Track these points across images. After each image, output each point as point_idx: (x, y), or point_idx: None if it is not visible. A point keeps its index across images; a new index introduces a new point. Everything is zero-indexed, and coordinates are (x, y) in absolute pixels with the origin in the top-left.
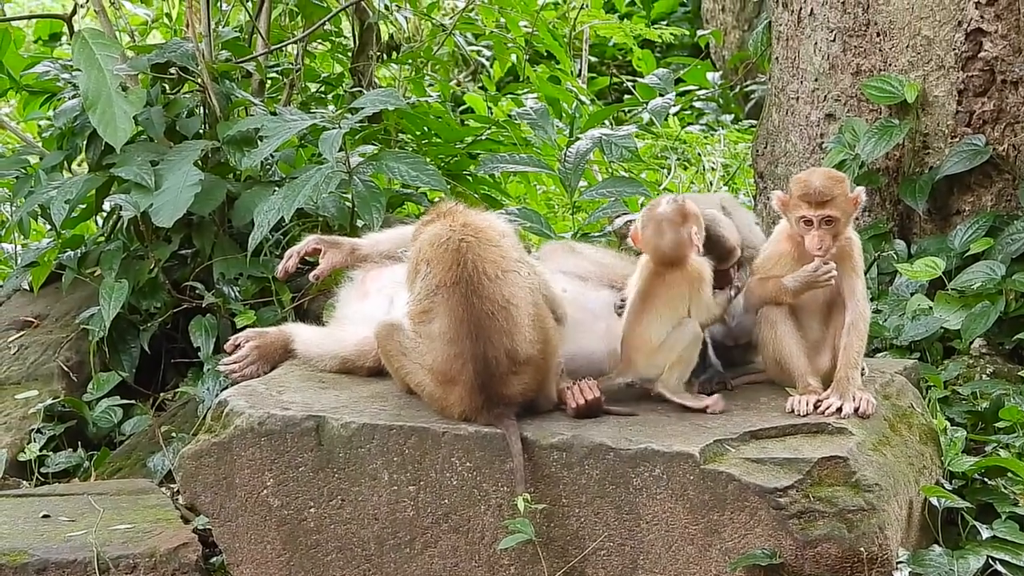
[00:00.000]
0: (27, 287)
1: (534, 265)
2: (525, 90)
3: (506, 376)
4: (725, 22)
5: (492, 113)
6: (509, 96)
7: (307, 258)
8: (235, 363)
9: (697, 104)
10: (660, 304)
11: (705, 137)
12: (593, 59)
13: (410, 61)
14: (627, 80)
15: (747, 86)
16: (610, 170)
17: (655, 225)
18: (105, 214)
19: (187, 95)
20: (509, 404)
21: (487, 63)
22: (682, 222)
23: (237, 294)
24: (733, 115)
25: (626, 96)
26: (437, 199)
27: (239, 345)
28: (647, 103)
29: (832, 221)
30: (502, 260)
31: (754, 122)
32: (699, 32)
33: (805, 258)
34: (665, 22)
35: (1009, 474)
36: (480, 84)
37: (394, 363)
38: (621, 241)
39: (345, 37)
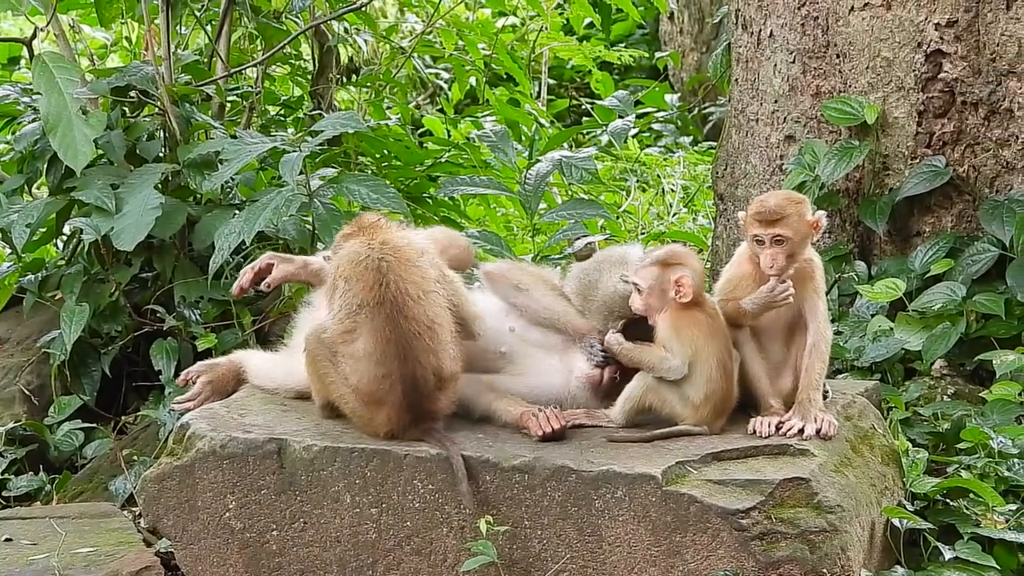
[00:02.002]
0: None
1: (453, 281)
2: (484, 113)
3: (433, 393)
4: (683, 44)
5: (450, 136)
6: (468, 119)
7: (257, 289)
8: (188, 400)
9: (655, 126)
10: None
11: (664, 159)
12: (551, 81)
13: (369, 84)
14: (586, 102)
15: (705, 108)
16: (569, 192)
17: (694, 264)
18: (65, 237)
19: (147, 118)
20: (435, 419)
21: (445, 86)
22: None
23: (198, 317)
24: (691, 137)
25: (584, 118)
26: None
27: (191, 380)
28: (607, 125)
29: (783, 240)
30: (423, 281)
31: (712, 144)
32: (657, 54)
33: (765, 279)
34: (623, 44)
35: (971, 495)
36: (438, 107)
37: (320, 369)
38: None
39: (305, 60)
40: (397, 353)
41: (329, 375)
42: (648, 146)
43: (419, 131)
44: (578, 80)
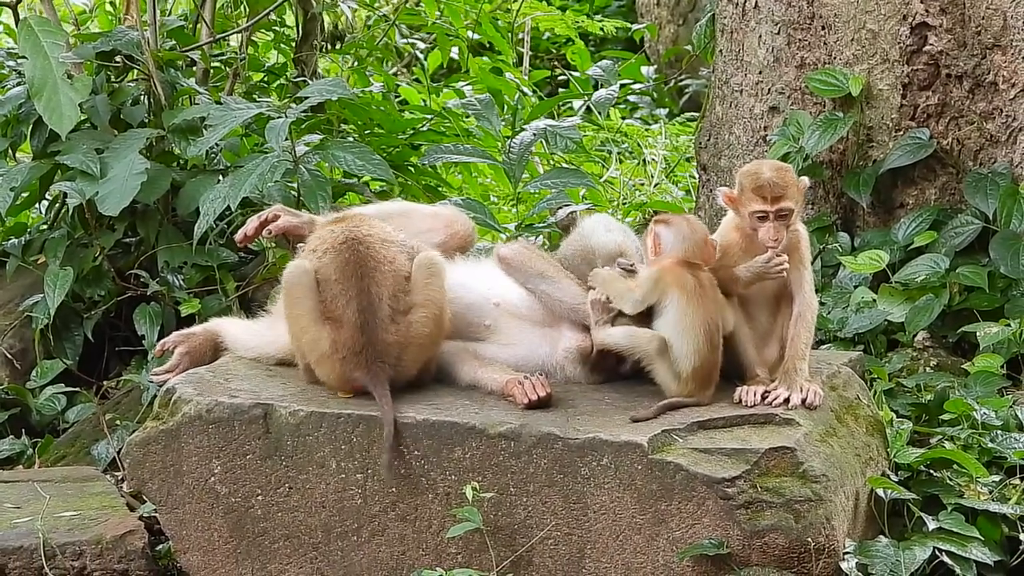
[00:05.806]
0: None
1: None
2: (465, 82)
3: (386, 321)
4: (660, 16)
5: (427, 105)
6: (449, 87)
7: (250, 249)
8: (166, 372)
9: (631, 98)
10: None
11: (646, 130)
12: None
13: (352, 52)
14: (567, 73)
15: (682, 80)
16: (552, 162)
17: (691, 230)
18: (49, 201)
19: (132, 83)
20: (386, 356)
21: (422, 55)
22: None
23: (182, 282)
24: (667, 109)
25: (560, 89)
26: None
27: (168, 350)
28: (589, 95)
29: (787, 213)
30: (389, 240)
31: (691, 115)
32: (634, 26)
33: (753, 249)
34: (600, 16)
35: (954, 466)
36: (414, 77)
37: (295, 309)
38: (564, 233)
39: (289, 27)
40: (355, 272)
41: (299, 313)
42: (623, 118)
43: (396, 100)
44: (554, 51)
